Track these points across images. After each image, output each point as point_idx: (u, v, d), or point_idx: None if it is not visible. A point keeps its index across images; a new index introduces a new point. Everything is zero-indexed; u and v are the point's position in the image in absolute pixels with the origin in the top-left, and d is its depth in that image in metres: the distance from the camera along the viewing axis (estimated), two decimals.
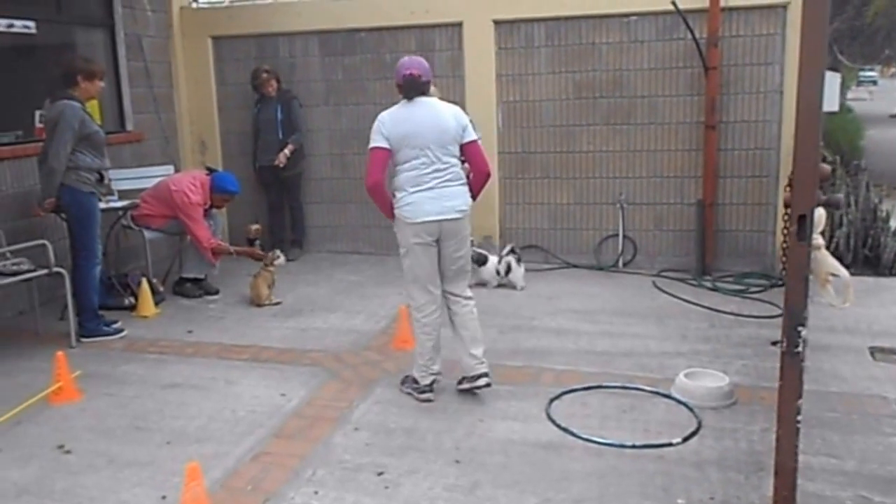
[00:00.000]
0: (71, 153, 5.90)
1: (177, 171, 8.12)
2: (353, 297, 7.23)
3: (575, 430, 4.42)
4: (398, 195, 4.79)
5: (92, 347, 6.02)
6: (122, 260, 7.53)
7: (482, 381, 4.94)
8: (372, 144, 4.76)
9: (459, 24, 8.02)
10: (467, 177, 4.96)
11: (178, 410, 4.88)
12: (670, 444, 4.26)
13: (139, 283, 6.86)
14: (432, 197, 4.71)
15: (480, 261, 7.23)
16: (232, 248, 7.32)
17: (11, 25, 6.85)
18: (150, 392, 5.17)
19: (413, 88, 4.76)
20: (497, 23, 7.92)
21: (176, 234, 7.31)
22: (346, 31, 8.41)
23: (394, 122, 4.72)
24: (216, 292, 7.35)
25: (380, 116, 4.79)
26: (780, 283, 7.23)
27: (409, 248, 4.80)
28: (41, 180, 6.12)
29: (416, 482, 3.95)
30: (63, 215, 6.27)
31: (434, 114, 4.76)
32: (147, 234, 7.14)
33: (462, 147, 4.82)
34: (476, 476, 3.99)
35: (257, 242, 7.61)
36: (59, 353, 5.12)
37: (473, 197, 4.92)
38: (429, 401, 4.89)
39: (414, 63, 4.81)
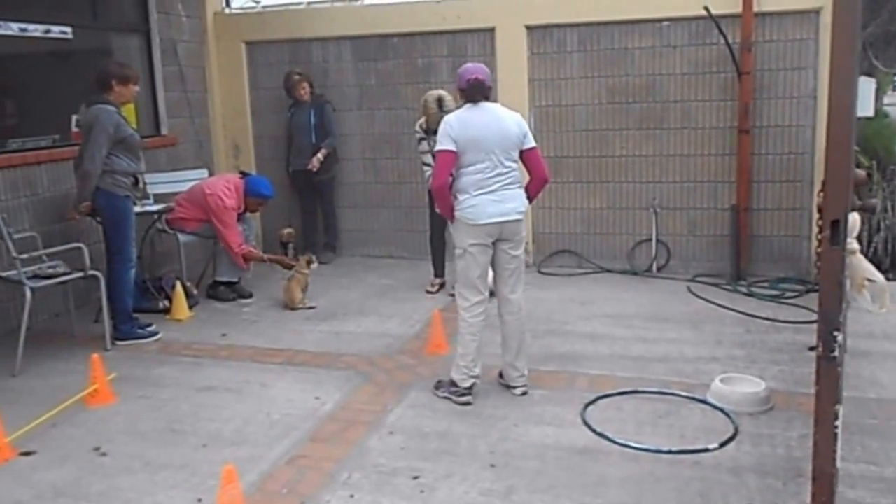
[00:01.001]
0: (106, 157, 5.95)
1: (210, 174, 8.18)
2: (386, 301, 7.24)
3: (610, 435, 4.40)
4: (460, 197, 4.84)
5: (126, 350, 6.06)
6: (157, 263, 7.57)
7: (519, 391, 5.08)
8: (440, 147, 4.81)
9: (492, 30, 8.03)
10: None
11: (212, 413, 4.90)
12: (707, 450, 4.23)
13: (173, 287, 6.91)
14: (495, 199, 4.79)
15: None
16: (263, 256, 7.37)
17: (49, 31, 6.93)
18: (185, 395, 5.20)
19: (478, 91, 4.86)
20: (529, 28, 7.92)
21: (210, 237, 7.34)
22: (379, 36, 8.44)
23: (461, 125, 4.79)
24: (250, 296, 7.38)
25: (446, 119, 4.87)
26: (816, 288, 7.15)
27: (466, 250, 4.88)
28: (77, 184, 6.18)
29: (451, 486, 3.95)
30: (98, 219, 6.32)
31: (498, 119, 4.85)
32: (181, 237, 7.18)
33: (522, 153, 4.92)
34: (511, 481, 3.98)
35: (290, 246, 7.63)
36: (95, 356, 5.15)
37: (529, 200, 5.01)
38: (468, 404, 4.91)
39: (478, 68, 4.95)
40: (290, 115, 8.51)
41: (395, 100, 8.54)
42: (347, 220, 8.95)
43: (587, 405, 4.83)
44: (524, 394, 5.03)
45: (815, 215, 7.17)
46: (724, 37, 7.24)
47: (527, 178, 5.05)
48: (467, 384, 4.94)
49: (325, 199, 8.70)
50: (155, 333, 6.34)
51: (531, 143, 4.94)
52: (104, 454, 4.40)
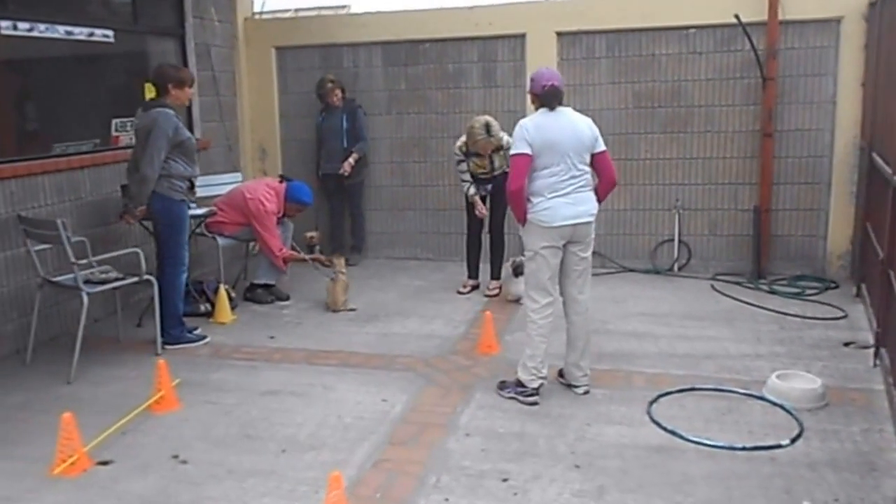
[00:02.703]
0: (164, 160, 5.93)
1: (243, 178, 8.25)
2: (424, 302, 7.35)
3: (683, 433, 4.52)
4: (534, 200, 4.92)
5: (177, 355, 6.04)
6: (192, 266, 7.55)
7: (581, 391, 5.20)
8: (516, 151, 4.88)
9: (523, 36, 8.20)
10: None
11: (283, 418, 4.92)
12: (780, 446, 4.36)
13: (215, 290, 6.96)
14: (568, 202, 4.89)
15: (518, 271, 7.13)
16: (304, 256, 7.43)
17: (92, 34, 6.92)
18: (251, 399, 5.21)
19: (555, 98, 4.94)
20: (560, 34, 8.09)
21: (247, 240, 7.42)
22: (410, 41, 8.56)
23: (537, 129, 4.87)
24: (287, 298, 7.44)
25: (522, 123, 4.93)
26: (833, 285, 7.46)
27: (537, 252, 4.95)
28: (132, 188, 6.14)
29: (542, 488, 4.02)
30: (145, 222, 6.37)
31: (572, 123, 4.94)
32: (220, 240, 7.22)
33: (593, 156, 5.01)
34: (599, 481, 4.07)
35: (317, 249, 7.72)
36: (161, 362, 5.17)
37: (598, 202, 5.11)
38: (535, 404, 5.00)
39: (554, 74, 5.03)
40: (321, 120, 8.57)
41: (424, 104, 8.66)
42: (374, 222, 9.05)
43: (651, 403, 4.95)
44: (586, 392, 5.15)
45: (842, 216, 7.54)
46: (752, 44, 7.44)
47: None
48: (535, 385, 5.03)
49: (354, 202, 8.79)
50: (203, 337, 6.38)
51: (602, 146, 5.04)
52: (184, 462, 4.38)
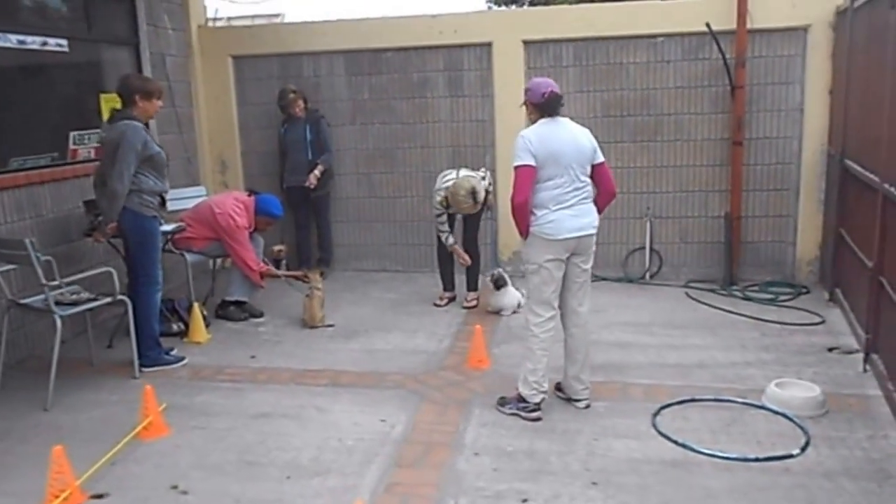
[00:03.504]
0: (133, 175, 5.68)
1: (207, 192, 8.00)
2: (402, 316, 7.21)
3: (695, 446, 4.49)
4: (538, 213, 4.82)
5: (155, 377, 5.76)
6: None
7: (582, 405, 5.14)
8: (519, 162, 4.76)
9: (489, 45, 8.11)
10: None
11: (281, 442, 4.76)
12: (791, 456, 4.37)
13: (188, 308, 6.72)
14: (573, 214, 4.82)
15: (499, 284, 7.15)
16: (279, 272, 7.25)
17: (45, 43, 6.61)
18: (243, 423, 5.03)
19: (558, 105, 4.86)
20: (526, 43, 8.03)
21: (217, 256, 7.18)
22: (373, 50, 8.39)
23: (540, 139, 4.77)
24: (261, 315, 7.23)
25: (524, 134, 4.81)
26: (805, 291, 7.57)
27: (541, 266, 4.87)
28: (102, 204, 5.88)
29: None
30: (114, 240, 6.12)
31: (573, 134, 4.87)
32: (189, 257, 6.96)
33: (593, 167, 4.95)
34: (620, 498, 4.02)
35: (283, 263, 7.54)
36: (148, 387, 4.96)
37: (598, 213, 5.06)
38: (538, 420, 4.93)
39: (550, 82, 4.94)
40: (284, 131, 8.35)
41: (389, 114, 8.51)
42: (341, 234, 8.85)
43: (654, 415, 4.92)
44: (588, 406, 5.10)
45: (810, 223, 7.58)
46: (722, 52, 7.51)
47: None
48: (537, 399, 4.96)
49: (321, 214, 8.58)
50: (181, 358, 6.14)
51: (601, 157, 4.99)
52: (185, 492, 4.19)
